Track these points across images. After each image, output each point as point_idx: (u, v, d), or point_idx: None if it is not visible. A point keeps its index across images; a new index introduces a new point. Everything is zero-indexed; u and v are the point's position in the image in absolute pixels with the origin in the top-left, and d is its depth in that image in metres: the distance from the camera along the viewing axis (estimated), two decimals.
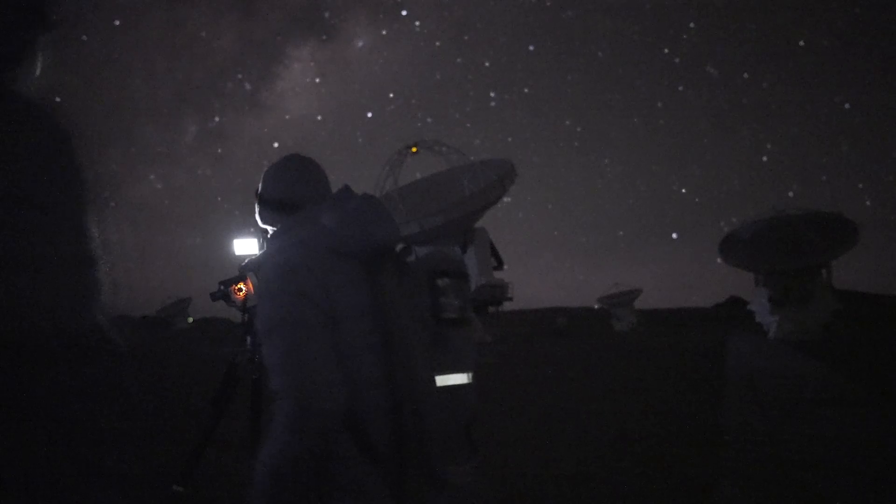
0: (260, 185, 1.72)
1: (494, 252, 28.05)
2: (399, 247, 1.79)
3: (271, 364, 1.42)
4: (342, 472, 1.42)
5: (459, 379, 2.10)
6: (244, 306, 2.64)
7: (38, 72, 0.72)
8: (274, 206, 1.67)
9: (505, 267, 29.00)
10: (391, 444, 1.46)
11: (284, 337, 1.41)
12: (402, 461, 1.46)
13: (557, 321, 46.59)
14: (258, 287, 1.51)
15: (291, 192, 1.66)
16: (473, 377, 2.17)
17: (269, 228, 1.72)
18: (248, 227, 2.61)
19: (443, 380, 2.00)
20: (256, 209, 1.73)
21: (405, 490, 1.45)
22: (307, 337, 1.41)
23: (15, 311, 0.60)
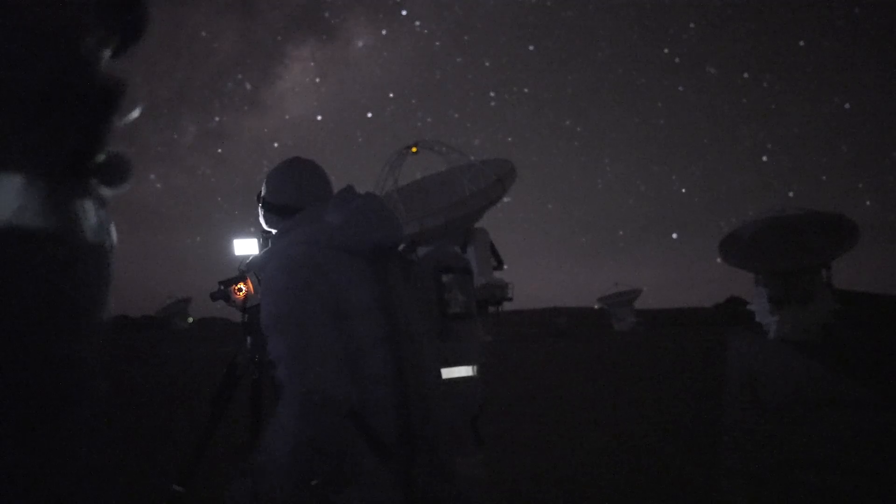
0: (263, 189, 1.73)
1: (494, 252, 28.08)
2: (402, 246, 1.81)
3: (277, 356, 1.42)
4: (350, 465, 1.43)
5: (464, 371, 2.12)
6: (244, 306, 2.64)
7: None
8: (277, 209, 1.69)
9: (505, 267, 29.03)
10: (399, 437, 1.47)
11: (289, 329, 1.41)
12: (410, 454, 1.47)
13: (557, 321, 46.57)
14: (262, 283, 1.52)
15: (295, 194, 1.68)
16: (479, 370, 2.19)
17: (273, 230, 1.73)
18: (248, 227, 2.61)
19: (448, 372, 2.02)
20: (260, 213, 1.74)
21: (413, 483, 1.46)
22: (313, 329, 1.41)
23: None
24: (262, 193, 1.73)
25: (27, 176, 0.56)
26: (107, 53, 0.65)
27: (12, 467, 0.55)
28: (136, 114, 0.68)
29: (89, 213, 0.63)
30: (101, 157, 0.63)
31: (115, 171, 0.65)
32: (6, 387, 0.53)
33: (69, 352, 0.60)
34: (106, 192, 0.64)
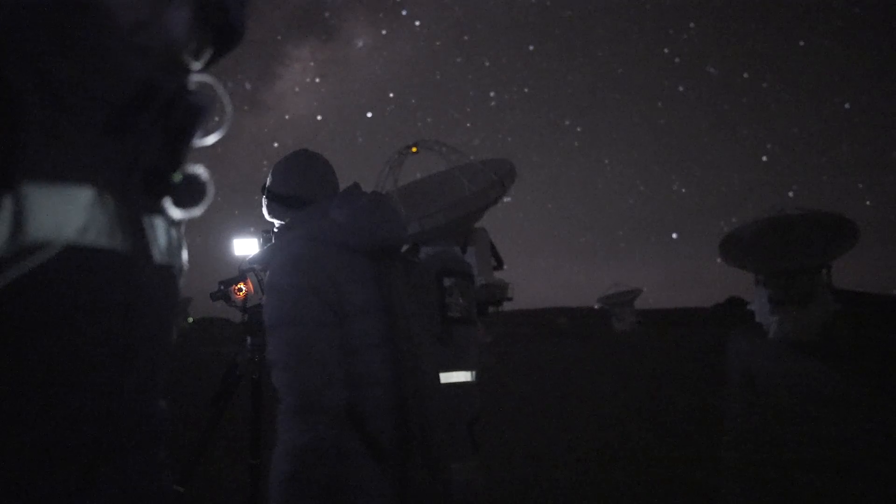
0: (269, 179, 1.73)
1: (494, 252, 28.00)
2: (405, 247, 1.81)
3: (275, 360, 1.43)
4: (345, 468, 1.42)
5: (463, 377, 2.12)
6: (244, 306, 2.64)
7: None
8: (282, 201, 1.68)
9: (505, 267, 28.96)
10: (395, 440, 1.46)
11: (290, 333, 1.42)
12: (406, 458, 1.46)
13: (557, 321, 46.55)
14: (267, 280, 1.52)
15: (300, 187, 1.67)
16: (476, 375, 2.19)
17: (276, 222, 1.73)
18: (248, 227, 2.61)
19: (446, 377, 2.02)
20: (264, 203, 1.74)
21: (408, 487, 1.45)
22: (312, 333, 1.41)
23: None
24: (268, 184, 1.73)
25: (96, 190, 0.52)
26: (197, 66, 0.61)
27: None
28: (218, 135, 0.63)
29: (159, 232, 0.60)
30: (178, 177, 0.59)
31: (190, 192, 0.60)
32: (64, 413, 0.51)
33: (131, 377, 0.58)
34: (177, 213, 0.60)
